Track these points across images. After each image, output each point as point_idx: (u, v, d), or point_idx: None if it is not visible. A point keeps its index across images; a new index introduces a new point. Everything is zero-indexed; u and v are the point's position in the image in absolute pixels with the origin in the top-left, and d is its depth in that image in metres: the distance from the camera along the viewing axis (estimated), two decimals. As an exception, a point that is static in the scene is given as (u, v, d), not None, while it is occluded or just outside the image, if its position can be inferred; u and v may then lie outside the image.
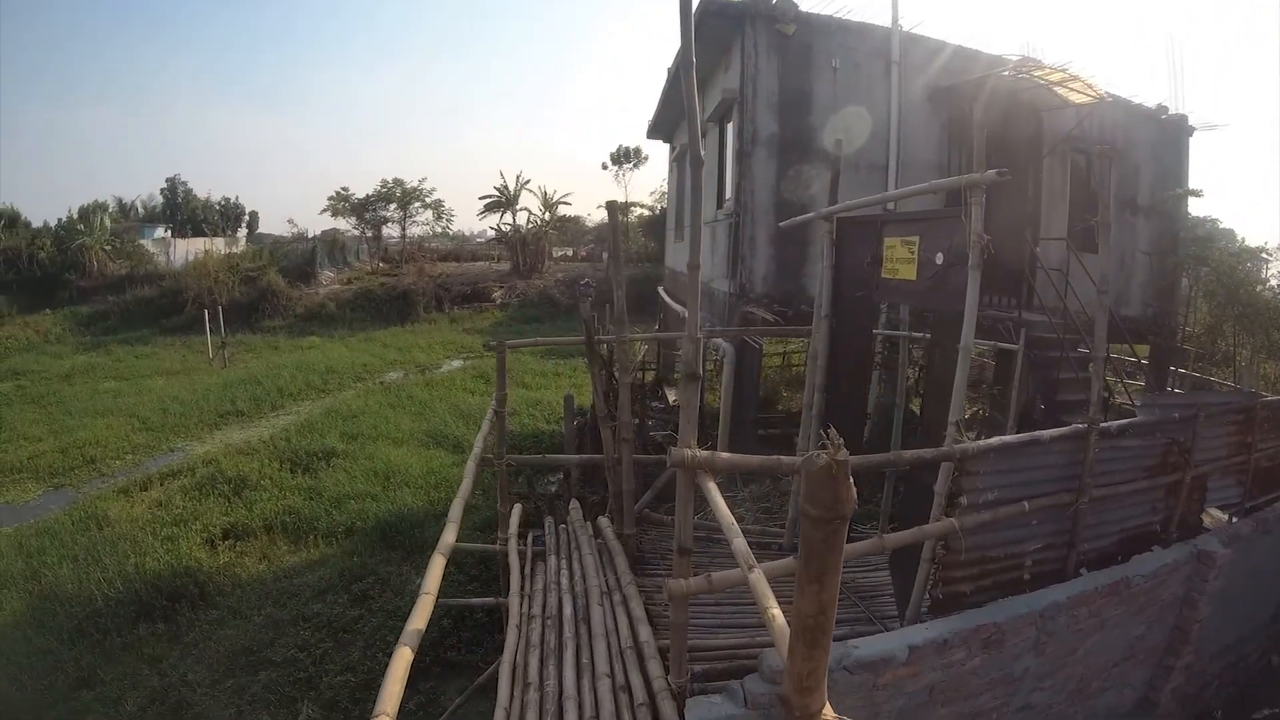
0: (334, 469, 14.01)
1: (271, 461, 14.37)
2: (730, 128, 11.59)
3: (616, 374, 6.02)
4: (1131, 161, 12.41)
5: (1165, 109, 12.86)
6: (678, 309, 15.99)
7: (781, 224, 7.42)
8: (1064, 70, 10.46)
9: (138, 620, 8.82)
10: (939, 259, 5.32)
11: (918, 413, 7.84)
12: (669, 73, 14.00)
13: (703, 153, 11.28)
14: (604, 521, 6.62)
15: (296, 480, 13.59)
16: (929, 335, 6.20)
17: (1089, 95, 10.58)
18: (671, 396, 16.84)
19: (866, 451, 6.89)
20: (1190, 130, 12.98)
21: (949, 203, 6.31)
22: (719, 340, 11.48)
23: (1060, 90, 10.43)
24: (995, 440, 5.18)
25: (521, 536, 6.70)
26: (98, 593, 9.29)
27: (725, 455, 3.62)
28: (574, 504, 6.90)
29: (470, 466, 5.78)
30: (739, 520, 3.39)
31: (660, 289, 19.14)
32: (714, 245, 12.46)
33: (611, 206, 5.69)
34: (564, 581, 5.73)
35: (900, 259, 5.75)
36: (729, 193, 11.68)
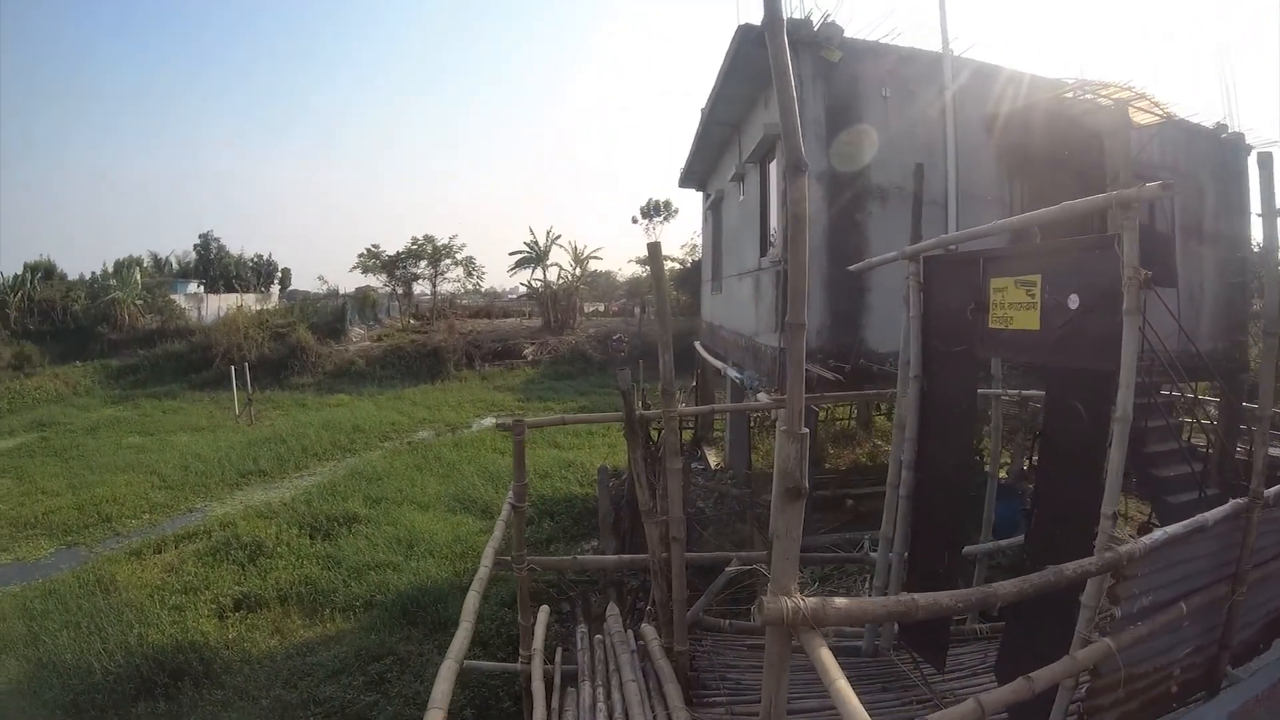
0: (355, 535, 13.22)
1: (290, 526, 13.59)
2: (774, 167, 10.45)
3: (662, 456, 4.75)
4: (1194, 185, 11.11)
5: (1225, 127, 11.56)
6: (716, 365, 14.73)
7: (851, 268, 6.23)
8: (1128, 88, 9.30)
9: (137, 698, 8.06)
10: (1072, 302, 4.04)
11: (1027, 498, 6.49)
12: (702, 114, 12.96)
13: (742, 198, 10.06)
14: (648, 631, 5.30)
15: (315, 547, 12.78)
16: (1047, 396, 4.83)
17: (1155, 114, 9.39)
18: (712, 458, 15.48)
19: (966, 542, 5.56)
20: (1249, 149, 11.61)
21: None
22: (762, 397, 10.20)
23: (1123, 111, 9.27)
24: (1159, 534, 3.83)
25: (549, 651, 5.39)
26: (97, 665, 8.57)
27: (840, 604, 2.33)
28: (611, 609, 5.57)
29: (482, 573, 4.55)
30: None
31: (697, 344, 17.92)
32: (759, 296, 11.25)
33: (654, 249, 4.49)
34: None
35: (1015, 304, 4.48)
36: (774, 238, 10.46)
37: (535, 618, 5.51)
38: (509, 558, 5.19)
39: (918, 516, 5.54)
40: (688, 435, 17.41)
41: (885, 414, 19.00)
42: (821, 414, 17.50)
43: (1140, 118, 9.36)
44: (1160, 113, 9.34)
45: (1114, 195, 3.68)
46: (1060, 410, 4.52)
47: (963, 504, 5.28)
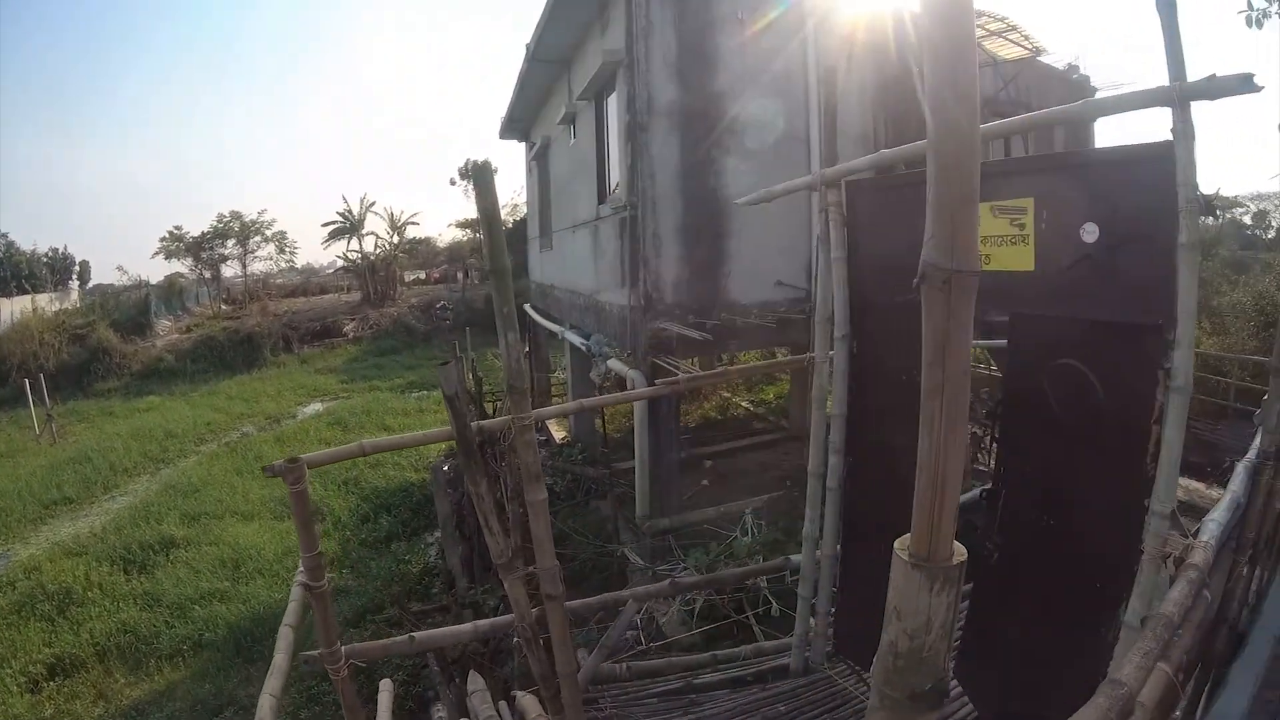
0: (174, 563, 11.45)
1: (101, 563, 11.49)
2: (613, 101, 8.89)
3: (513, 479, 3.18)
4: (1045, 127, 10.57)
5: (1076, 68, 11.21)
6: (552, 328, 13.13)
7: (741, 201, 4.74)
8: (1001, 19, 8.50)
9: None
10: (1088, 234, 2.83)
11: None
12: (527, 50, 11.09)
13: (573, 141, 8.25)
14: (528, 705, 3.70)
15: (132, 584, 10.90)
16: (1014, 356, 3.61)
17: (1025, 48, 8.68)
18: (556, 431, 13.95)
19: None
20: (1093, 91, 11.32)
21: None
22: (613, 364, 8.79)
23: (990, 45, 8.46)
24: (1214, 526, 2.75)
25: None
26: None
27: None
28: (473, 680, 3.89)
29: (276, 668, 2.84)
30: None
31: (527, 307, 16.12)
32: (598, 249, 9.72)
33: (482, 171, 2.79)
34: None
35: (994, 239, 3.23)
36: (617, 181, 8.90)
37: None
38: (316, 653, 3.41)
39: (852, 511, 4.31)
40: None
41: (728, 364, 18.17)
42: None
43: (1008, 51, 8.58)
44: (1030, 46, 8.61)
45: (1173, 87, 2.44)
46: (1043, 374, 3.30)
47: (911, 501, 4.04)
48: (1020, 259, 3.12)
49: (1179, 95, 2.38)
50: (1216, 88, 2.37)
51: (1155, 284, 2.59)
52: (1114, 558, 2.84)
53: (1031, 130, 3.16)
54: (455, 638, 3.71)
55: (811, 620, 4.56)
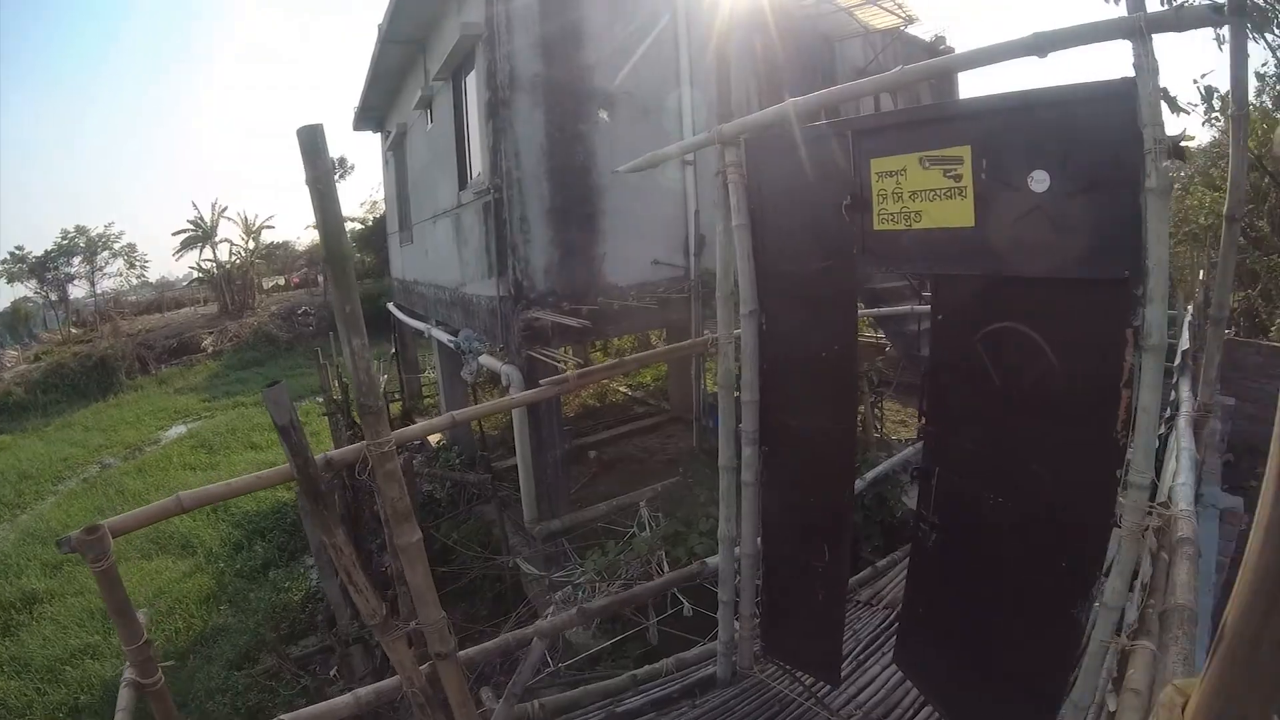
0: (40, 620, 9.97)
1: None
2: (472, 79, 8.08)
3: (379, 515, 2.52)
4: (913, 98, 10.58)
5: (943, 40, 11.27)
6: (418, 327, 12.16)
7: (620, 169, 4.14)
8: None
9: None
10: (1037, 183, 2.45)
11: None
12: (379, 31, 9.99)
13: (430, 126, 7.33)
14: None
15: None
16: (943, 319, 3.21)
17: (898, 16, 8.52)
18: (430, 435, 12.98)
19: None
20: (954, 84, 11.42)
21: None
22: (486, 360, 8.08)
23: (863, 14, 8.25)
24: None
25: None
26: None
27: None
28: None
29: None
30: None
31: (391, 306, 14.92)
32: (461, 239, 8.93)
33: (311, 136, 2.07)
34: None
35: (924, 193, 2.82)
36: (479, 165, 8.12)
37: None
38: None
39: (771, 503, 3.86)
40: (396, 409, 14.69)
41: (601, 350, 17.62)
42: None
43: (880, 21, 8.38)
44: (903, 14, 8.43)
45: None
46: (980, 340, 2.92)
47: (842, 487, 3.62)
48: (958, 214, 2.71)
49: (1143, 26, 2.05)
50: (1184, 18, 2.11)
51: (1118, 235, 2.26)
52: (1081, 533, 2.53)
53: (908, 85, 2.76)
54: (331, 714, 2.96)
55: (735, 623, 4.10)
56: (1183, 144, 2.23)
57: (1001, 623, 2.96)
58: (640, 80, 7.83)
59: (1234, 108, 2.81)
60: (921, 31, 10.82)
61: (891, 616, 5.15)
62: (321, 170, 2.14)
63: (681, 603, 5.35)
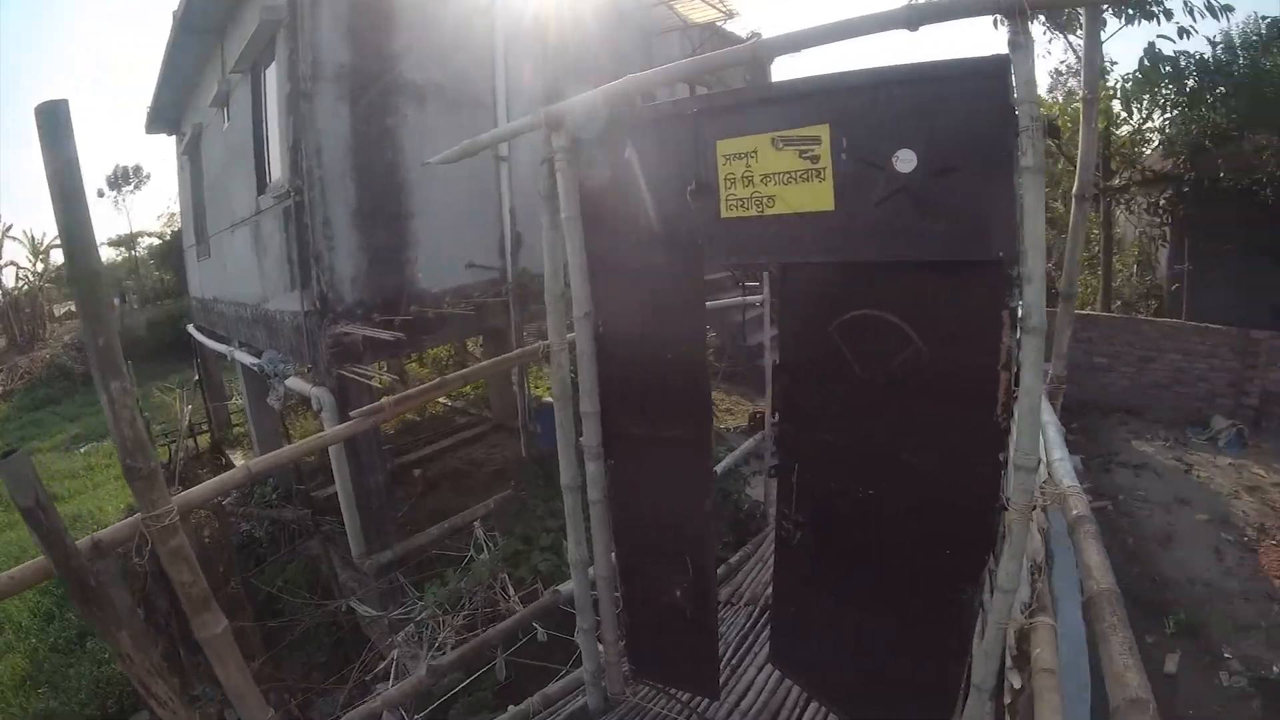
0: None
1: None
2: (273, 71, 7.13)
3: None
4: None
5: (758, 34, 11.32)
6: (220, 349, 10.79)
7: (432, 160, 3.52)
8: None
9: None
10: (903, 163, 2.27)
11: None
12: (174, 19, 8.59)
13: (227, 125, 6.24)
14: None
15: None
16: (791, 308, 2.96)
17: (719, 10, 8.42)
18: (240, 462, 11.61)
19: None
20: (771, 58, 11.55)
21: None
22: (294, 383, 7.24)
23: (681, 7, 8.09)
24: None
25: None
26: None
27: None
28: None
29: None
30: None
31: (191, 328, 13.10)
32: (261, 249, 7.92)
33: (52, 114, 1.47)
34: None
35: (778, 177, 2.55)
36: (279, 166, 7.17)
37: None
38: None
39: (622, 519, 3.49)
40: (204, 441, 13.08)
41: (417, 361, 16.55)
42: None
43: (698, 15, 8.24)
44: (723, 9, 8.33)
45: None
46: (837, 330, 2.71)
47: (701, 496, 3.29)
48: (816, 198, 2.46)
49: (1025, 3, 1.93)
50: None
51: (991, 215, 2.14)
52: (966, 519, 2.42)
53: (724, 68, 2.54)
54: None
55: (600, 649, 3.71)
56: (1056, 122, 2.14)
57: (886, 615, 2.82)
58: (453, 71, 7.25)
59: (1086, 91, 2.77)
60: (739, 28, 10.91)
61: (756, 614, 4.99)
62: (64, 161, 1.54)
63: (534, 629, 4.87)
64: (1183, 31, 10.32)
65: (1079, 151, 3.01)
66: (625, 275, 3.11)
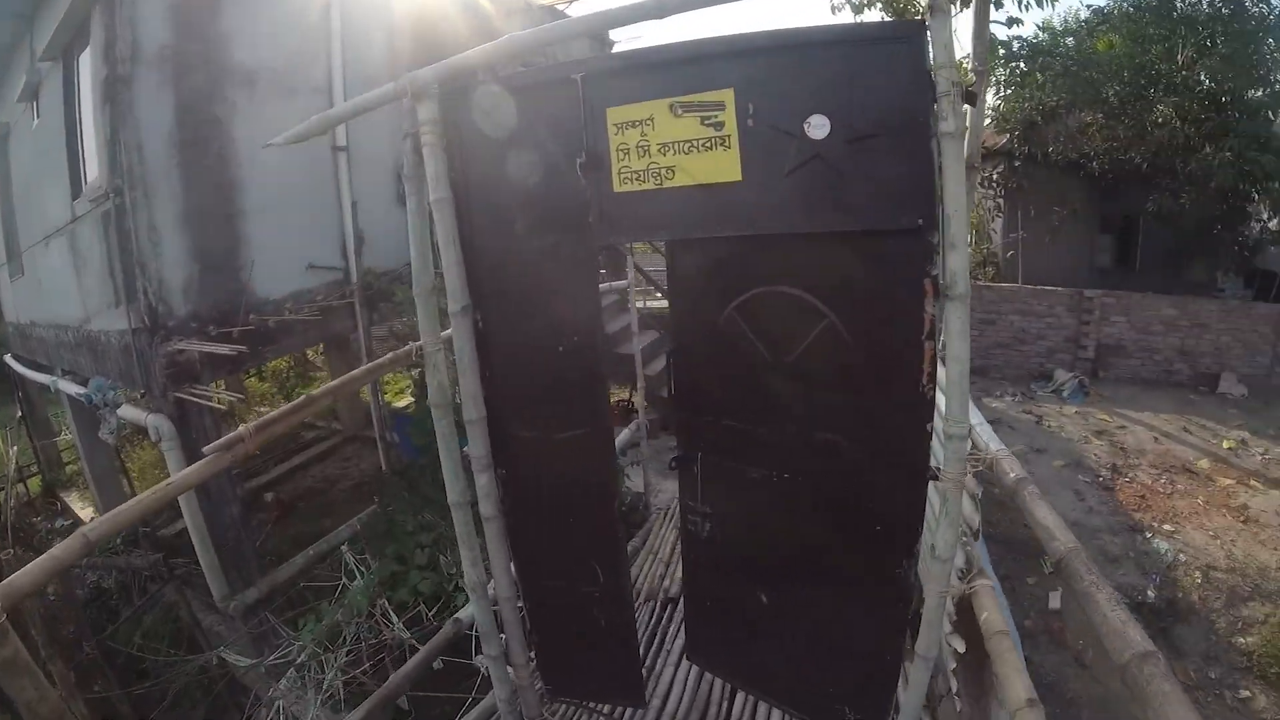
0: None
1: None
2: (88, 55, 6.13)
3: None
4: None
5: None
6: (39, 379, 9.42)
7: (273, 141, 3.00)
8: None
9: None
10: (816, 129, 2.11)
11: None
12: None
13: (37, 122, 5.37)
14: None
15: None
16: (682, 290, 2.74)
17: None
18: (82, 509, 10.30)
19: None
20: (613, 43, 11.24)
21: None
22: (126, 412, 6.44)
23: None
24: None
25: None
26: None
27: None
28: None
29: None
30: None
31: (9, 358, 11.22)
32: (81, 262, 6.90)
33: None
34: None
35: (678, 146, 2.31)
36: (95, 165, 6.20)
37: None
38: None
39: (519, 532, 3.16)
40: (35, 485, 11.49)
41: (255, 375, 15.16)
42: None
43: None
44: None
45: None
46: (739, 310, 2.52)
47: (607, 499, 3.02)
48: (721, 168, 2.24)
49: None
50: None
51: (910, 182, 2.03)
52: (896, 494, 2.33)
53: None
54: None
55: (510, 672, 3.38)
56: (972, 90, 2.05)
57: (817, 598, 2.69)
58: (287, 54, 6.56)
59: (975, 63, 2.71)
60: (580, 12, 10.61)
61: (658, 609, 4.80)
62: None
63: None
64: (1012, 20, 11.12)
65: (968, 122, 2.97)
66: (506, 262, 2.77)
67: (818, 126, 2.09)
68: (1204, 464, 8.88)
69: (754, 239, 2.34)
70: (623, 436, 7.03)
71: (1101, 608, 1.67)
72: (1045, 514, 2.11)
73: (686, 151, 2.27)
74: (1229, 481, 8.40)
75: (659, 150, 2.31)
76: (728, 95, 2.17)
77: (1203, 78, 11.65)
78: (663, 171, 2.33)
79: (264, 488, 9.91)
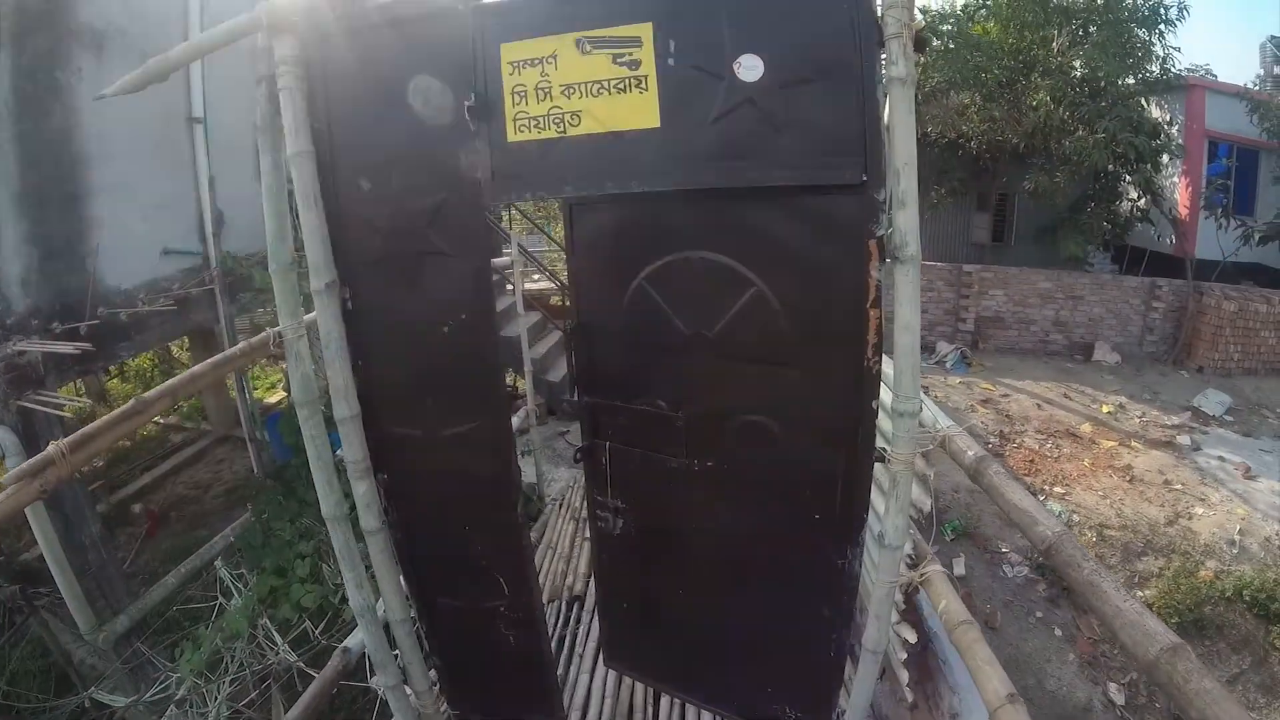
0: None
1: None
2: None
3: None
4: None
5: None
6: None
7: (107, 91, 2.45)
8: None
9: None
10: (747, 70, 1.80)
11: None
12: None
13: None
14: None
15: None
16: (583, 252, 2.40)
17: None
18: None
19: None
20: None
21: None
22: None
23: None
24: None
25: None
26: None
27: None
28: None
29: None
30: None
31: None
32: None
33: None
34: None
35: (592, 86, 1.95)
36: None
37: None
38: None
39: (418, 552, 2.74)
40: None
41: (119, 375, 13.79)
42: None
43: None
44: None
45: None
46: (645, 273, 2.22)
47: (506, 501, 2.63)
48: (636, 113, 1.91)
49: None
50: None
51: (852, 132, 1.76)
52: (837, 479, 2.08)
53: None
54: None
55: (412, 697, 2.97)
56: (923, 35, 1.78)
57: (751, 594, 2.44)
58: (139, 13, 5.83)
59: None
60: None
61: (564, 610, 4.46)
62: None
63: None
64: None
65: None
66: (380, 229, 2.30)
67: (749, 68, 1.79)
68: (1087, 428, 9.26)
69: (672, 196, 2.02)
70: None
71: (1112, 599, 1.49)
72: (1020, 497, 1.92)
73: (595, 94, 1.93)
74: (1111, 444, 8.78)
75: (562, 93, 1.95)
76: (645, 30, 1.84)
77: (1077, 64, 12.13)
78: (566, 117, 1.97)
79: (132, 498, 8.94)
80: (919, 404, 1.97)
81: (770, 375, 2.10)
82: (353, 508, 2.54)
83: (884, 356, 1.98)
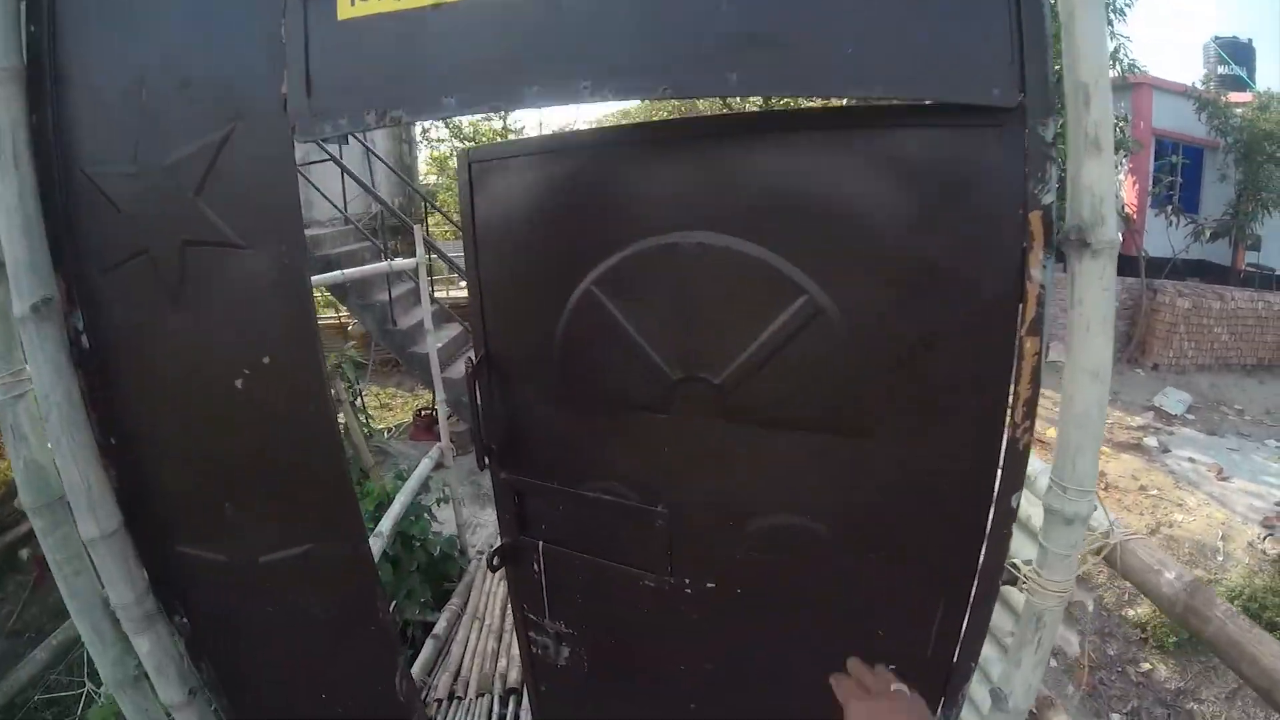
0: None
1: None
2: None
3: None
4: None
5: None
6: None
7: None
8: None
9: None
10: None
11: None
12: None
13: None
14: None
15: None
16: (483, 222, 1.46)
17: None
18: None
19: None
20: None
21: None
22: None
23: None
24: None
25: None
26: None
27: None
28: None
29: None
30: None
31: None
32: None
33: None
34: None
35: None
36: None
37: None
38: None
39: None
40: None
41: None
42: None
43: None
44: None
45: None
46: (585, 278, 1.31)
47: (383, 668, 1.64)
48: None
49: None
50: None
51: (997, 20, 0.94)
52: (924, 611, 1.29)
53: None
54: None
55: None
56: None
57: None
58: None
59: None
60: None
61: (497, 706, 3.32)
62: None
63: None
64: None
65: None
66: (126, 203, 1.26)
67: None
68: (1051, 433, 8.77)
69: (648, 131, 1.12)
70: (423, 467, 4.73)
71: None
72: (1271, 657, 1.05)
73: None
74: (1080, 449, 8.36)
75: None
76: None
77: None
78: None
79: (19, 543, 7.59)
80: (1093, 501, 1.09)
81: (825, 450, 1.22)
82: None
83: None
